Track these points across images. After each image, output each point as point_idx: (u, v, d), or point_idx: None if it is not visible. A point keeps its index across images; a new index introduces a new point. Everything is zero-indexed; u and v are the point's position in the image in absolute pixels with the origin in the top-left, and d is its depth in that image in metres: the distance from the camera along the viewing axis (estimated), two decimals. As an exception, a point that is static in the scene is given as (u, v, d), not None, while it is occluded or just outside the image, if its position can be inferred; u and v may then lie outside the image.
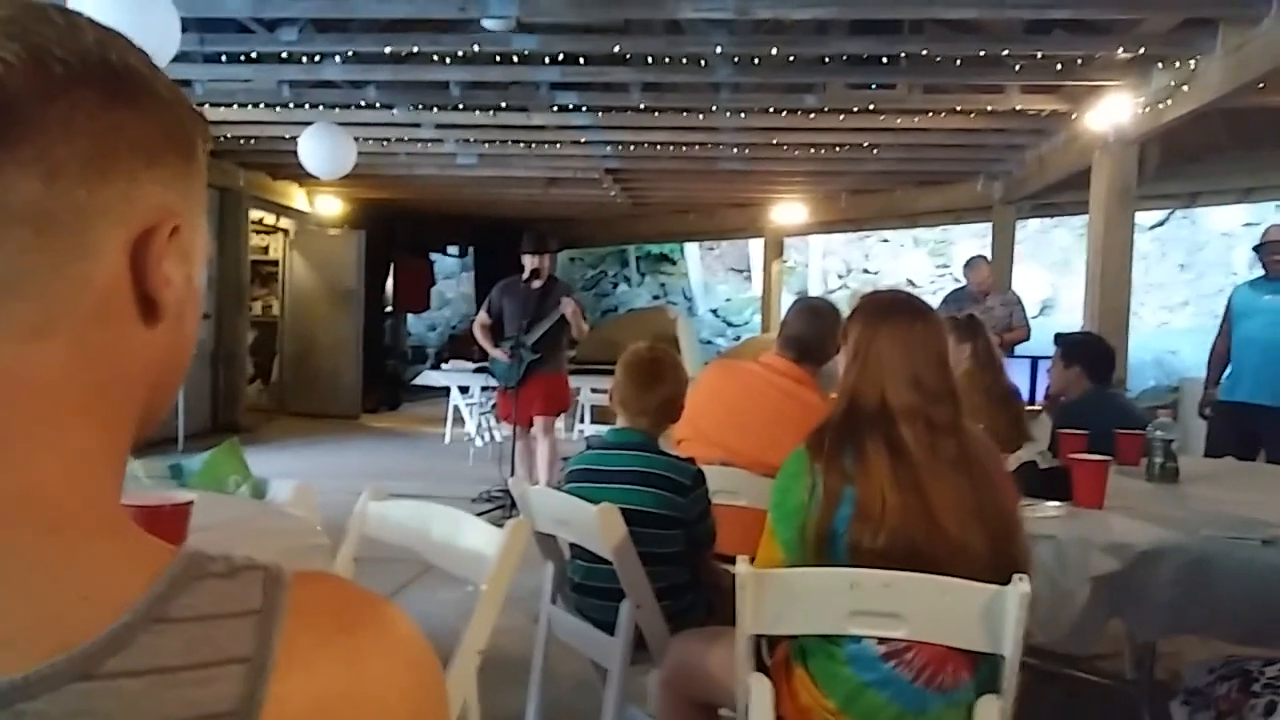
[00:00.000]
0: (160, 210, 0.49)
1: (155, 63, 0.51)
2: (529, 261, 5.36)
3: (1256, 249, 4.90)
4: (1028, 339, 6.35)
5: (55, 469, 0.46)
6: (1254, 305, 4.79)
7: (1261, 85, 4.51)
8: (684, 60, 5.64)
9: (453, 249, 15.44)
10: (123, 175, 0.47)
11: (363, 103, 6.39)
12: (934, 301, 6.82)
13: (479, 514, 4.42)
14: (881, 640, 1.59)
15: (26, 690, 0.39)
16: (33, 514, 0.44)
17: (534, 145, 7.72)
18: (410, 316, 14.47)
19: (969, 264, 6.63)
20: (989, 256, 7.12)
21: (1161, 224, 13.82)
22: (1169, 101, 5.07)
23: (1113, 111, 5.51)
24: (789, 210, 10.33)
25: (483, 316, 5.58)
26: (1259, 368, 4.62)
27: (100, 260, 0.47)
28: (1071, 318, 10.50)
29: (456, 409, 8.35)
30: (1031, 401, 4.84)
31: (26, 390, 0.45)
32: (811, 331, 2.73)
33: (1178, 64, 4.98)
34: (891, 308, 1.78)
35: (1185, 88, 4.91)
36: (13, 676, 0.40)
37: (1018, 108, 6.11)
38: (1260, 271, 4.94)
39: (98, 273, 0.47)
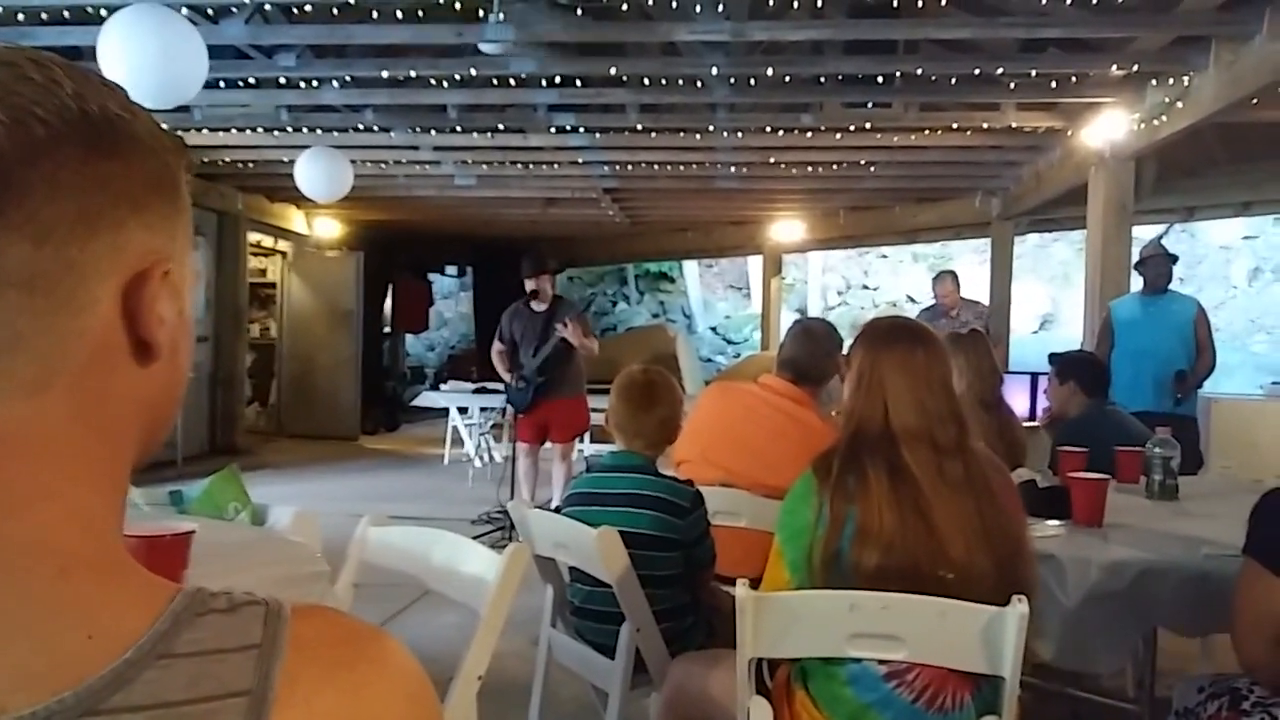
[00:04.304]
0: (149, 254, 0.50)
1: (173, 104, 0.52)
2: (528, 284, 5.39)
3: (1138, 265, 5.10)
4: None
5: (60, 514, 0.47)
6: (1139, 318, 4.98)
7: (1255, 100, 4.54)
8: (680, 81, 5.69)
9: (451, 269, 15.51)
10: (110, 226, 0.48)
11: (361, 126, 6.44)
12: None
13: (478, 536, 4.42)
14: (883, 660, 1.60)
15: None
16: (40, 560, 0.45)
17: (532, 166, 7.77)
18: (409, 337, 14.50)
19: (936, 278, 6.74)
20: (957, 272, 7.12)
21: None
22: (1164, 118, 5.11)
23: (1108, 128, 5.55)
24: (787, 227, 10.37)
25: (497, 344, 5.60)
26: (1156, 376, 4.80)
27: (94, 311, 0.48)
28: (1071, 331, 10.52)
29: (455, 430, 8.34)
30: (1031, 418, 4.86)
31: (28, 442, 0.46)
32: (807, 353, 2.75)
33: (1172, 80, 5.02)
34: (893, 335, 1.80)
35: (1180, 104, 4.94)
36: (21, 713, 0.41)
37: (1013, 125, 6.15)
38: (1140, 286, 5.15)
39: (92, 324, 0.48)
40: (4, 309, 0.45)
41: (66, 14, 4.58)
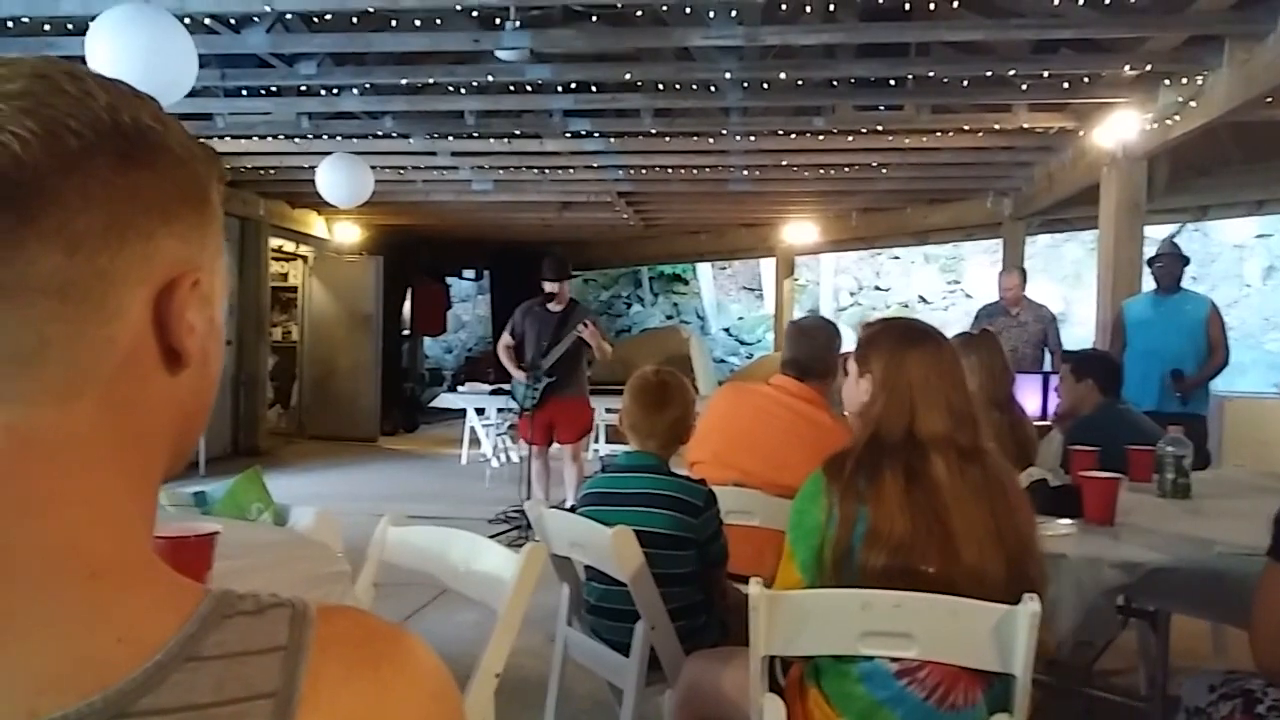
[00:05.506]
0: (179, 264, 0.50)
1: (168, 106, 0.52)
2: (549, 286, 5.47)
3: (1149, 262, 5.13)
4: None
5: (89, 519, 0.47)
6: (1151, 317, 5.00)
7: (1269, 100, 4.52)
8: (694, 86, 5.72)
9: (469, 273, 15.57)
10: (141, 236, 0.48)
11: (380, 133, 6.50)
12: (947, 318, 6.80)
13: (495, 535, 4.46)
14: (895, 658, 1.60)
15: None
16: (69, 563, 0.46)
17: (548, 171, 7.81)
18: (427, 339, 14.57)
19: (1003, 271, 6.63)
20: (1025, 269, 6.99)
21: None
22: (1177, 117, 5.09)
23: (1120, 128, 5.53)
24: (800, 229, 10.36)
25: (506, 338, 5.68)
26: (1163, 376, 4.81)
27: (124, 320, 0.48)
28: (1084, 331, 10.46)
29: (473, 430, 8.40)
30: (1043, 417, 4.85)
31: (59, 448, 0.47)
32: (805, 351, 2.78)
33: (1185, 80, 5.00)
34: (914, 335, 1.79)
35: (1193, 103, 4.93)
36: (50, 716, 0.42)
37: (1025, 126, 6.13)
38: (1152, 285, 5.17)
39: (123, 333, 0.48)
40: (36, 316, 0.46)
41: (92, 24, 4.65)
